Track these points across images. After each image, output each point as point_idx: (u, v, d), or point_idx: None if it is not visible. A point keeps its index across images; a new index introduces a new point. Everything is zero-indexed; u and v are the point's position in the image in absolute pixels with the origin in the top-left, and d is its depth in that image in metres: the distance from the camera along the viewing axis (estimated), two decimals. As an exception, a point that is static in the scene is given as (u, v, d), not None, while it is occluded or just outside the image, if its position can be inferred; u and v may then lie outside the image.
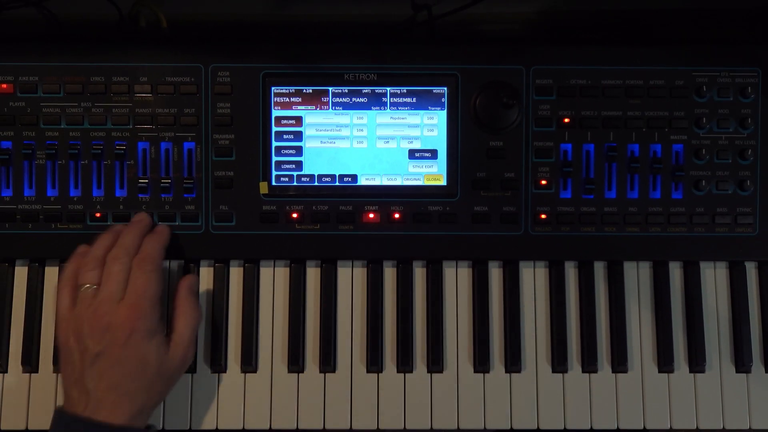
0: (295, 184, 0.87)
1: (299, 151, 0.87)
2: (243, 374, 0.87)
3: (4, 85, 0.87)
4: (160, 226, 0.86)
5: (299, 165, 0.87)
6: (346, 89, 0.87)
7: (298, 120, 0.87)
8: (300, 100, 0.87)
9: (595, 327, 0.87)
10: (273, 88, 0.87)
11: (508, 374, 0.87)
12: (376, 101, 0.87)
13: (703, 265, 0.89)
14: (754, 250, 0.88)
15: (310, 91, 0.87)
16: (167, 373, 0.80)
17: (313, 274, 0.88)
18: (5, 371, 0.86)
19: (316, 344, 0.87)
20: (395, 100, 0.87)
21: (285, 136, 0.87)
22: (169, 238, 0.86)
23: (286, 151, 0.87)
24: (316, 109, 0.87)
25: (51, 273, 0.88)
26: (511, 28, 1.01)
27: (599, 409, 0.86)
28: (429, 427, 0.86)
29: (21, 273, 0.88)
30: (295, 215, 0.87)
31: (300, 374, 0.87)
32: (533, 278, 0.89)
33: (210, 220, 0.87)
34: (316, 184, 0.87)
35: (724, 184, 0.87)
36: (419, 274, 0.89)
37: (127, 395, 0.76)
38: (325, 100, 0.88)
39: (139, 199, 0.87)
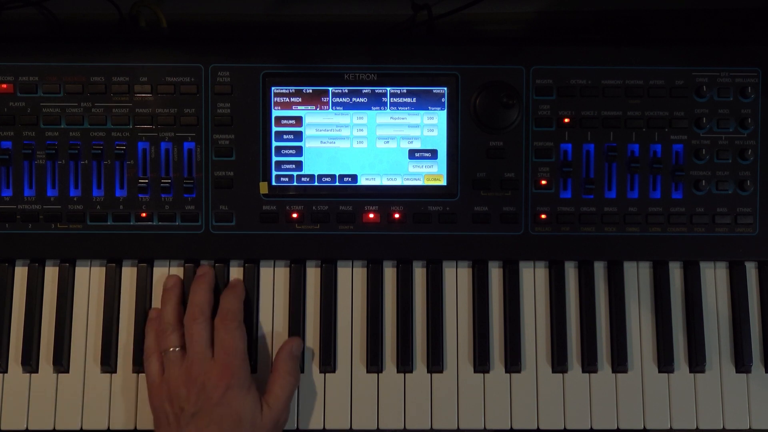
0: (295, 184, 0.87)
1: (299, 151, 0.87)
2: (243, 374, 0.87)
3: (4, 85, 0.87)
4: (234, 280, 0.87)
5: (299, 165, 0.87)
6: (346, 89, 0.87)
7: (298, 120, 0.87)
8: (300, 100, 0.87)
9: (595, 327, 0.87)
10: (273, 88, 0.87)
11: (508, 374, 0.87)
12: (376, 101, 0.87)
13: (703, 265, 0.89)
14: (754, 250, 0.88)
15: (310, 91, 0.87)
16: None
17: (313, 274, 0.88)
18: (5, 371, 0.86)
19: (316, 344, 0.87)
20: (395, 100, 0.87)
21: (285, 136, 0.87)
22: (244, 291, 0.86)
23: (286, 151, 0.87)
24: (316, 109, 0.87)
25: (51, 273, 0.88)
26: (511, 28, 1.01)
27: (599, 409, 0.86)
28: (429, 427, 0.86)
29: (21, 273, 0.88)
30: (295, 215, 0.87)
31: (300, 374, 0.87)
32: (533, 278, 0.89)
33: (210, 220, 0.87)
34: (316, 184, 0.87)
35: (724, 184, 0.87)
36: (419, 274, 0.89)
37: None
38: (325, 100, 0.88)
39: (139, 199, 0.87)
